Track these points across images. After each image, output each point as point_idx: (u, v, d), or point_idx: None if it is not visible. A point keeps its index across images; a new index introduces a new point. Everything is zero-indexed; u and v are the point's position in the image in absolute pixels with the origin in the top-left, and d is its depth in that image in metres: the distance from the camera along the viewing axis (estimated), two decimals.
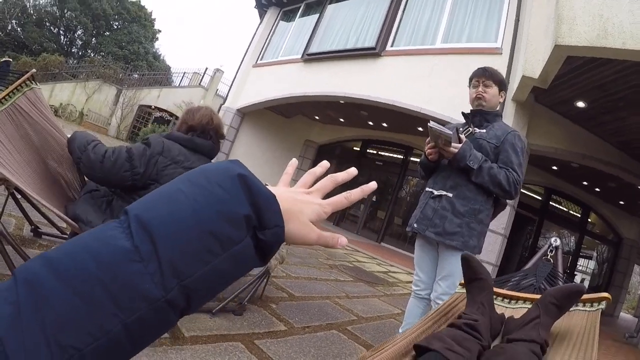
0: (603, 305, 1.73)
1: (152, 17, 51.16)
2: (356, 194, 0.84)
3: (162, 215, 0.57)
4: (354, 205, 17.20)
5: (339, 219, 17.71)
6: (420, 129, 13.61)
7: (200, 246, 0.57)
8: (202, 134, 3.14)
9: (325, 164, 0.92)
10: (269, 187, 0.72)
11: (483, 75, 3.20)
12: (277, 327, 3.33)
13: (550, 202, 16.05)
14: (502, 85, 3.21)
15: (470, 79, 3.28)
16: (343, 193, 0.83)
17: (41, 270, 0.49)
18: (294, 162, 0.94)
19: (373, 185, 0.88)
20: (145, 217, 0.56)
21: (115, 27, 47.91)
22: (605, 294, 1.74)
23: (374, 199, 17.21)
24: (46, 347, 0.45)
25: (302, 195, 0.80)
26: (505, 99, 3.25)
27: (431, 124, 2.80)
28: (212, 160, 3.17)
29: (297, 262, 6.26)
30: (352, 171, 0.89)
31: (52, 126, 3.04)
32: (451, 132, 2.81)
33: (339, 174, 0.86)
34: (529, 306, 1.92)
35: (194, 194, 0.61)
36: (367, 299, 5.51)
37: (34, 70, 3.19)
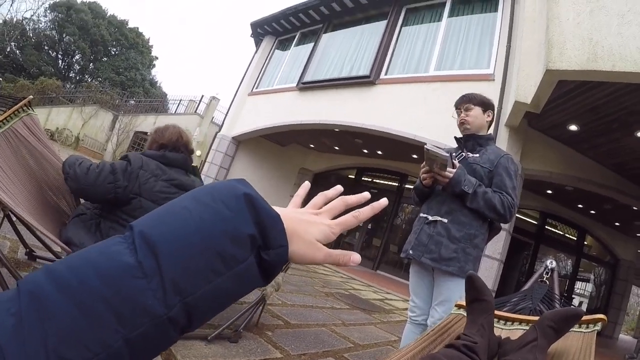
0: (599, 326, 1.74)
1: (150, 44, 51.57)
2: (366, 212, 0.85)
3: (166, 232, 0.58)
4: (349, 233, 17.20)
5: (334, 246, 17.34)
6: (414, 156, 13.63)
7: (203, 264, 0.58)
8: (173, 150, 3.20)
9: (339, 188, 0.92)
10: (275, 208, 0.73)
11: (462, 102, 3.26)
12: (273, 355, 3.31)
13: (546, 226, 16.03)
14: (484, 105, 3.24)
15: (455, 108, 3.34)
16: (352, 212, 0.83)
17: (45, 283, 0.50)
18: (306, 185, 0.95)
19: (384, 202, 0.88)
20: (149, 233, 0.57)
21: (113, 52, 48.29)
22: (601, 316, 1.75)
23: (369, 226, 17.10)
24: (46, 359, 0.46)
25: (309, 216, 0.81)
26: (493, 119, 3.26)
27: (428, 146, 2.82)
28: (187, 173, 3.29)
29: (292, 290, 6.25)
30: (365, 195, 0.90)
31: (49, 151, 3.10)
32: (447, 155, 2.84)
33: (350, 196, 0.87)
34: (525, 328, 1.93)
35: (199, 211, 0.61)
36: (363, 327, 5.49)
37: (31, 96, 3.26)
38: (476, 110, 3.20)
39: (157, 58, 53.03)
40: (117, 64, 46.71)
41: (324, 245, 0.80)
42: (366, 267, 15.41)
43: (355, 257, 0.83)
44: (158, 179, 2.95)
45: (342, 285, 8.71)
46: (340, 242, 17.56)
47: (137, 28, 49.96)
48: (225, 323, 3.27)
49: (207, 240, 0.59)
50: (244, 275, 0.63)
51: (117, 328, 0.51)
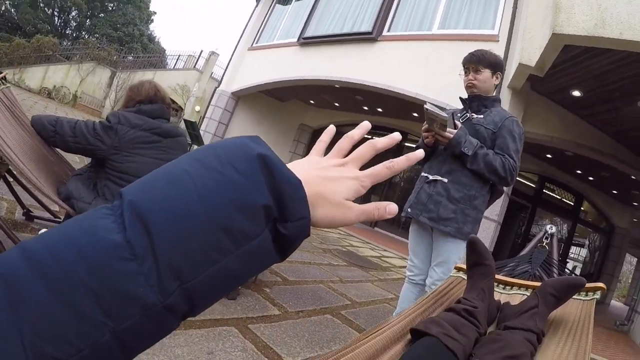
0: (598, 294, 1.75)
1: None
2: (401, 163, 0.74)
3: (161, 202, 0.48)
4: None
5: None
6: (415, 114, 13.58)
7: (207, 242, 0.49)
8: (149, 103, 3.15)
9: (366, 125, 0.83)
10: (294, 165, 0.65)
11: (471, 61, 3.14)
12: (271, 312, 3.32)
13: (544, 190, 16.08)
14: (494, 66, 3.14)
15: (462, 65, 3.26)
16: (385, 162, 0.73)
17: (18, 264, 0.42)
18: (331, 128, 0.84)
19: (420, 153, 0.78)
20: (141, 203, 0.48)
21: (110, 8, 47.36)
22: (601, 284, 1.76)
23: None
24: (23, 354, 0.38)
25: (334, 170, 0.70)
26: (502, 80, 3.20)
27: (427, 105, 2.77)
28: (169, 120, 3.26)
29: None
30: (396, 136, 0.79)
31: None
32: (447, 115, 2.78)
33: (379, 139, 0.76)
34: (525, 292, 1.93)
35: (202, 176, 0.51)
36: (360, 284, 5.52)
37: (5, 72, 3.20)
38: (485, 74, 3.11)
39: (155, 13, 52.17)
40: (115, 19, 45.82)
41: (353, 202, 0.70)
42: (364, 224, 15.46)
43: (392, 207, 0.72)
44: (138, 130, 2.91)
45: (340, 242, 8.75)
46: None
47: None
48: None
49: (212, 212, 0.49)
50: (256, 254, 0.53)
51: (102, 320, 0.42)
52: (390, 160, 0.72)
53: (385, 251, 9.70)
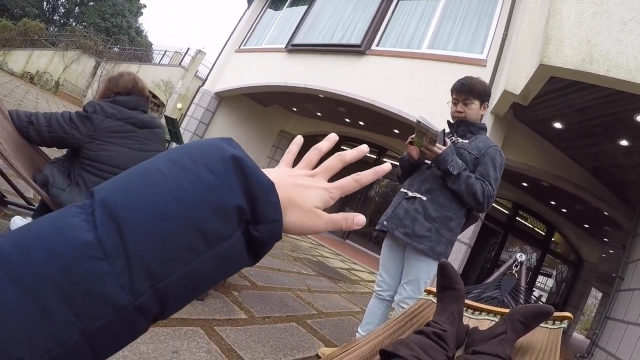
0: (565, 324, 1.79)
1: None
2: (368, 176, 0.76)
3: (134, 201, 0.48)
4: None
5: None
6: (396, 131, 13.65)
7: (180, 243, 0.48)
8: (126, 95, 3.13)
9: (333, 137, 0.85)
10: (267, 172, 0.64)
11: (462, 92, 3.16)
12: (238, 315, 3.31)
13: (517, 217, 16.26)
14: (483, 97, 3.18)
15: (451, 92, 3.27)
16: (353, 175, 0.75)
17: None
18: (299, 139, 0.87)
19: (387, 167, 0.79)
20: (113, 202, 0.47)
21: None
22: (568, 314, 1.79)
23: (343, 195, 17.03)
24: None
25: (305, 179, 0.71)
26: (488, 108, 3.23)
27: (420, 118, 2.78)
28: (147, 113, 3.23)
29: None
30: (364, 148, 0.81)
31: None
32: (439, 131, 2.80)
33: (347, 151, 0.78)
34: (493, 318, 1.96)
35: (176, 176, 0.51)
36: (328, 294, 5.53)
37: None
38: (475, 105, 3.15)
39: (145, 6, 51.84)
40: (104, 9, 45.51)
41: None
42: (336, 236, 15.49)
43: (360, 218, 0.74)
44: (113, 119, 2.89)
45: (311, 251, 8.76)
46: None
47: None
48: None
49: (185, 212, 0.49)
50: (228, 255, 0.53)
51: (72, 320, 0.41)
52: (358, 173, 0.76)
53: (355, 264, 9.73)
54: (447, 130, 3.33)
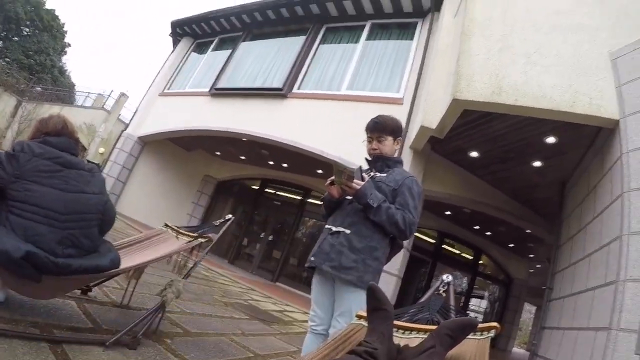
0: (492, 333, 1.85)
1: (65, 29, 49.16)
2: None
3: None
4: (249, 244, 17.32)
5: (234, 257, 17.42)
6: (319, 171, 13.81)
7: None
8: (56, 136, 3.10)
9: None
10: None
11: (374, 130, 3.34)
12: None
13: (443, 245, 16.66)
14: (396, 132, 3.35)
15: (365, 131, 3.44)
16: None
17: None
18: None
19: None
20: None
21: (25, 33, 45.17)
22: (494, 323, 1.87)
23: (270, 238, 17.10)
24: None
25: None
26: (403, 143, 3.39)
27: (336, 159, 2.91)
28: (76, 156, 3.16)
29: (192, 298, 6.17)
30: None
31: None
32: (354, 168, 2.95)
33: None
34: (424, 336, 2.01)
35: None
36: (263, 337, 5.50)
37: None
38: (388, 141, 3.33)
39: (69, 45, 50.31)
40: (28, 45, 43.53)
41: None
42: (265, 279, 15.36)
43: None
44: (40, 158, 2.83)
45: (242, 295, 8.68)
46: (240, 252, 17.48)
47: (54, 10, 47.20)
48: (124, 329, 3.20)
49: None
50: None
51: None
52: None
53: (288, 306, 9.66)
54: (366, 167, 3.48)
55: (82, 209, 2.91)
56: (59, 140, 3.05)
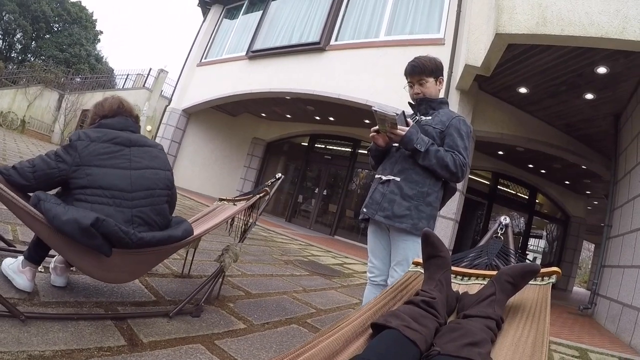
0: (553, 279, 1.77)
1: (94, 17, 49.78)
2: None
3: None
4: (305, 200, 17.36)
5: (291, 215, 17.68)
6: (367, 121, 13.67)
7: None
8: (113, 117, 3.05)
9: None
10: None
11: (414, 73, 3.19)
12: (237, 326, 3.28)
13: (498, 186, 16.41)
14: (435, 72, 3.19)
15: (405, 76, 3.31)
16: None
17: None
18: None
19: None
20: None
21: (56, 29, 46.17)
22: (555, 268, 1.78)
23: (324, 192, 17.20)
24: None
25: None
26: (444, 82, 3.26)
27: (375, 107, 2.80)
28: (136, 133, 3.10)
29: (251, 260, 6.20)
30: None
31: None
32: (395, 114, 2.82)
33: None
34: (482, 282, 1.95)
35: None
36: (324, 292, 5.49)
37: None
38: (430, 83, 3.17)
39: (101, 32, 51.26)
40: (61, 40, 44.76)
41: None
42: (324, 233, 15.50)
43: None
44: (98, 142, 2.77)
45: (301, 252, 8.72)
46: (296, 210, 17.61)
47: (80, 2, 47.94)
48: (186, 298, 3.21)
49: None
50: None
51: None
52: None
53: (347, 258, 9.69)
54: (410, 111, 3.37)
55: (150, 185, 2.86)
56: (115, 120, 3.01)
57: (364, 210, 3.11)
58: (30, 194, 2.62)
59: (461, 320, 1.57)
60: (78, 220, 2.33)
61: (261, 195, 4.00)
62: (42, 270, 3.06)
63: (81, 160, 2.63)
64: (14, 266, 2.79)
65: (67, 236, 2.37)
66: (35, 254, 2.79)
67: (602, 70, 7.08)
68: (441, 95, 3.36)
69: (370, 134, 3.06)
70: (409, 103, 3.35)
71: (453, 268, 2.05)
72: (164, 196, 2.97)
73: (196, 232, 3.30)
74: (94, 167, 2.65)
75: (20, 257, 2.80)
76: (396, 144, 3.03)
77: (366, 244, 3.34)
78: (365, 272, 3.47)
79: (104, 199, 2.60)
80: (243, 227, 4.08)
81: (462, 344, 1.31)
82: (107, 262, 2.55)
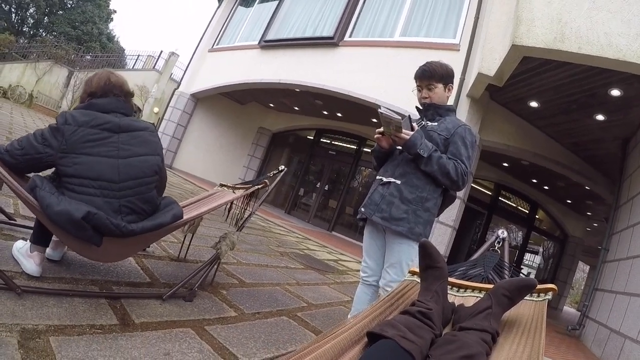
0: (549, 295, 1.77)
1: None
2: None
3: None
4: (305, 194, 17.37)
5: (291, 207, 17.72)
6: (374, 120, 13.68)
7: None
8: (102, 96, 2.92)
9: None
10: None
11: (423, 78, 3.19)
12: (228, 313, 3.30)
13: (500, 197, 16.36)
14: (445, 79, 3.19)
15: (414, 79, 3.30)
16: None
17: None
18: None
19: None
20: None
21: (69, 5, 45.87)
22: (552, 285, 1.78)
23: (325, 187, 17.27)
24: None
25: None
26: (454, 90, 3.25)
27: (382, 109, 2.80)
28: (129, 116, 3.00)
29: (248, 249, 6.22)
30: None
31: None
32: (401, 118, 2.81)
33: None
34: (478, 295, 1.96)
35: None
36: (317, 286, 5.52)
37: None
38: (438, 89, 3.18)
39: (115, 11, 50.83)
40: (73, 17, 44.37)
41: None
42: (322, 228, 15.54)
43: None
44: (86, 127, 2.67)
45: (297, 245, 8.76)
46: (297, 202, 17.64)
47: None
48: (180, 282, 3.23)
49: None
50: None
51: None
52: None
53: (343, 255, 9.71)
54: (417, 116, 3.36)
55: (137, 174, 2.79)
56: (104, 101, 2.89)
57: (362, 209, 3.13)
58: (28, 175, 2.68)
59: (457, 332, 1.57)
60: (70, 213, 2.35)
61: (260, 187, 4.01)
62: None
63: (68, 147, 2.56)
64: (23, 250, 2.78)
65: (59, 226, 2.39)
66: (41, 235, 2.78)
67: (615, 92, 7.03)
68: (450, 102, 3.36)
69: (375, 136, 3.06)
70: (417, 107, 3.35)
71: (449, 279, 2.05)
72: (152, 183, 2.91)
73: (189, 215, 3.29)
74: (82, 155, 2.57)
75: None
76: (400, 147, 3.03)
77: (362, 242, 3.35)
78: (359, 270, 3.49)
79: (92, 190, 2.57)
80: (241, 215, 4.09)
81: (458, 356, 1.31)
82: (97, 247, 2.53)
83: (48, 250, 2.98)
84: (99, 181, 2.60)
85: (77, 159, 2.60)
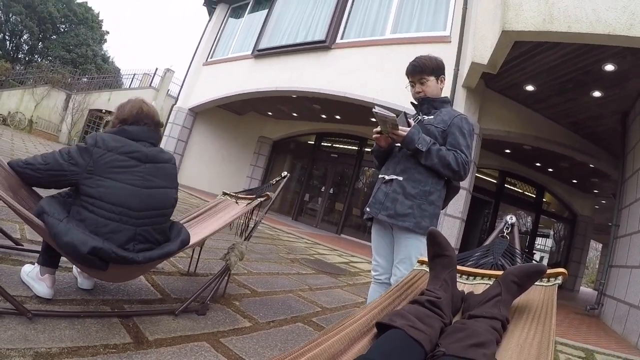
0: (559, 280, 1.76)
1: (100, 18, 49.95)
2: None
3: None
4: (311, 199, 17.33)
5: (297, 213, 17.73)
6: (373, 120, 13.53)
7: None
8: (133, 124, 2.99)
9: None
10: None
11: (415, 73, 3.22)
12: (242, 324, 3.29)
13: (505, 185, 16.35)
14: (436, 71, 3.21)
15: (406, 76, 3.32)
16: None
17: None
18: None
19: None
20: None
21: (62, 30, 46.22)
22: (561, 269, 1.77)
23: (331, 191, 17.25)
24: None
25: None
26: (449, 82, 3.26)
27: (376, 109, 2.81)
28: (156, 145, 3.07)
29: (257, 259, 6.22)
30: None
31: None
32: (395, 115, 2.83)
33: None
34: (488, 282, 1.95)
35: None
36: (330, 290, 5.49)
37: None
38: (431, 81, 3.20)
39: (108, 33, 51.28)
40: (67, 41, 44.80)
41: None
42: (330, 232, 15.54)
43: None
44: (115, 153, 2.70)
45: (307, 250, 8.73)
46: (303, 208, 17.64)
47: (86, 2, 47.92)
48: (191, 296, 3.22)
49: None
50: None
51: None
52: None
53: (353, 256, 9.68)
54: (413, 111, 3.37)
55: (157, 205, 2.84)
56: (136, 129, 2.95)
57: (367, 209, 3.15)
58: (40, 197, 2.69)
59: (466, 320, 1.56)
60: (76, 247, 2.36)
61: (263, 199, 4.01)
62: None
63: (94, 169, 2.60)
64: (32, 273, 2.79)
65: (65, 253, 2.45)
66: (49, 257, 2.79)
67: (609, 67, 7.04)
68: (445, 93, 3.36)
69: (373, 136, 3.07)
70: (412, 103, 3.36)
71: (458, 267, 2.05)
72: (168, 215, 2.98)
73: (200, 234, 3.31)
74: (107, 179, 2.61)
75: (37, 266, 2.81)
76: (398, 144, 3.04)
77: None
78: (370, 270, 3.49)
79: (111, 215, 2.59)
80: (247, 225, 4.11)
81: (468, 344, 1.31)
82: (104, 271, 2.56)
83: (80, 279, 3.06)
84: (120, 207, 2.62)
85: (101, 181, 2.62)
